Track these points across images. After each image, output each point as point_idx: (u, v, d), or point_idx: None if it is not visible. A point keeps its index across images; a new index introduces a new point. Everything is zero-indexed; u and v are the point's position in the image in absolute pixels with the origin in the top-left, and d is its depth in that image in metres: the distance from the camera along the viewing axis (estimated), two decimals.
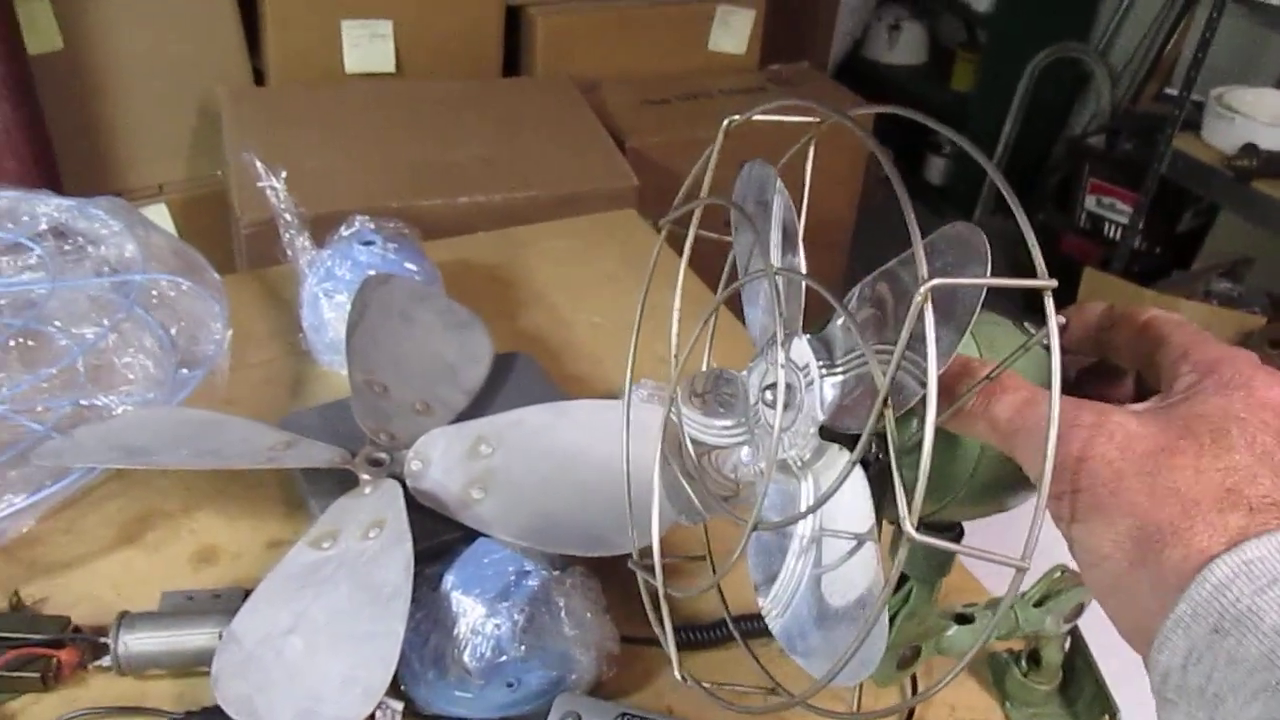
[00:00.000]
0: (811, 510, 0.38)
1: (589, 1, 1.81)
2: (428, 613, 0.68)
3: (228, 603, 0.72)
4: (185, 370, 0.89)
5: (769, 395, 0.42)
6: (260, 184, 0.98)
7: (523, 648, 0.65)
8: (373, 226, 0.97)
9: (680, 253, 0.60)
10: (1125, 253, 2.37)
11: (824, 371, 0.40)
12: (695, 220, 0.46)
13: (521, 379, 0.90)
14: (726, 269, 0.52)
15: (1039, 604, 0.63)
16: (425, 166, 1.46)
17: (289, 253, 1.00)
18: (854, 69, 3.11)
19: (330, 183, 1.38)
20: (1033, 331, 0.42)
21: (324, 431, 0.82)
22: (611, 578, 0.73)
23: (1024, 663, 0.70)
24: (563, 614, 0.67)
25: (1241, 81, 2.18)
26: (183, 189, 1.73)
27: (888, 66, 3.13)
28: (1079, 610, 0.65)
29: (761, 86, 1.89)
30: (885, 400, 0.34)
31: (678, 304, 0.49)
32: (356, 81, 1.70)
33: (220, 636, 0.67)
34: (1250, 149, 1.99)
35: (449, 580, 0.67)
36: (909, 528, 0.32)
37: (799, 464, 0.42)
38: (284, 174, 0.98)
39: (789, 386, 0.42)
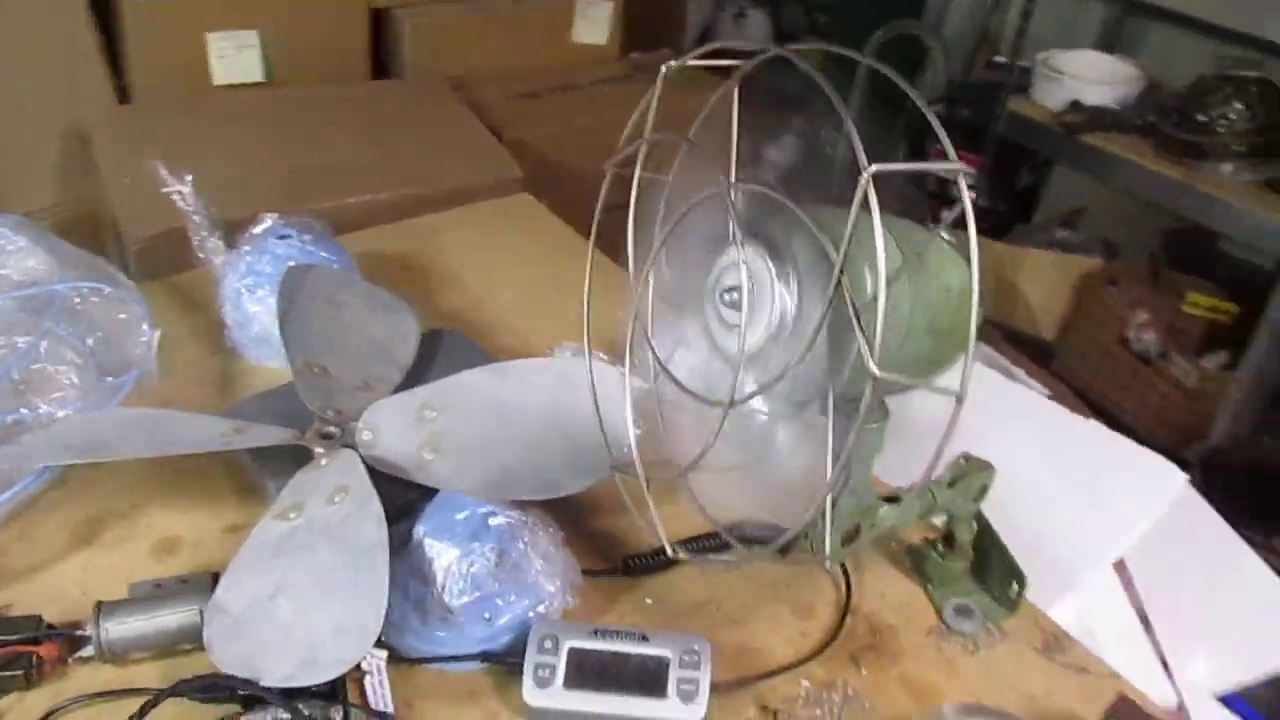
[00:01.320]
0: (778, 379, 0.44)
1: (454, 1, 1.85)
2: (402, 566, 0.72)
3: (197, 585, 0.74)
4: (111, 379, 0.91)
5: (729, 296, 0.49)
6: (166, 189, 1.00)
7: (498, 583, 0.70)
8: (285, 222, 1.00)
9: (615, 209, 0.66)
10: (974, 211, 2.53)
11: (775, 270, 0.47)
12: (641, 159, 0.52)
13: (452, 351, 0.94)
14: (662, 208, 0.58)
15: (951, 484, 0.71)
16: (310, 170, 1.47)
17: (200, 255, 1.02)
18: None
19: (216, 193, 1.38)
20: (941, 234, 0.50)
21: (266, 418, 0.85)
22: (562, 520, 0.79)
23: (940, 546, 0.78)
24: (529, 549, 0.72)
25: (1062, 45, 2.36)
26: (52, 215, 1.69)
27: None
28: (983, 491, 0.74)
29: (628, 74, 1.96)
30: (841, 270, 0.40)
31: (631, 227, 0.55)
32: (227, 93, 1.70)
33: (200, 614, 0.70)
34: (1076, 105, 2.17)
35: (420, 530, 0.71)
36: (873, 367, 0.39)
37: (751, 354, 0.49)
38: (189, 178, 1.00)
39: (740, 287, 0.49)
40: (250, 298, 0.95)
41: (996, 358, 2.07)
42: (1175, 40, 2.29)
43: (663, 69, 0.55)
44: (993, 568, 0.79)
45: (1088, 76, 2.21)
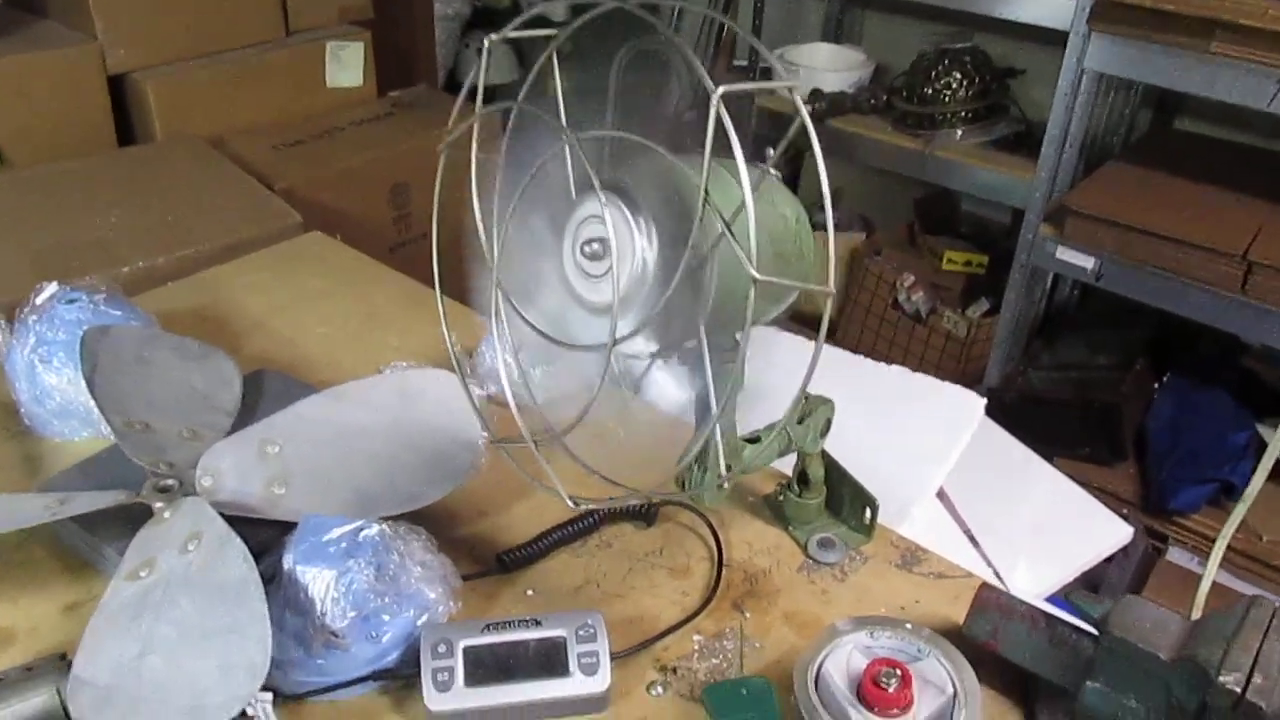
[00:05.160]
0: (656, 309, 0.46)
1: (198, 60, 1.78)
2: (274, 602, 0.69)
3: (46, 669, 0.68)
4: None
5: (590, 248, 0.51)
6: None
7: (380, 597, 0.69)
8: (71, 286, 0.94)
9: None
10: None
11: (631, 217, 0.49)
12: (475, 133, 0.53)
13: (277, 391, 0.91)
14: (499, 179, 0.59)
15: (800, 421, 0.75)
16: (73, 247, 1.38)
17: None
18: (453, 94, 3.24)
19: None
20: (769, 169, 0.53)
21: (88, 487, 0.80)
22: (432, 529, 0.78)
23: (795, 486, 0.82)
24: (406, 558, 0.71)
25: (791, 41, 2.53)
26: None
27: (486, 88, 3.27)
28: (827, 426, 0.78)
29: (388, 112, 1.94)
30: (706, 192, 0.43)
31: (475, 199, 0.55)
32: None
33: (59, 694, 0.65)
34: (817, 93, 2.32)
35: (289, 559, 0.69)
36: (752, 270, 0.41)
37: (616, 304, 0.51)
38: None
39: (602, 239, 0.51)
40: (46, 369, 0.88)
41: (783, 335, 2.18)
42: (892, 25, 2.49)
43: (486, 41, 0.57)
44: (845, 499, 0.84)
45: (822, 66, 2.37)
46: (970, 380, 2.17)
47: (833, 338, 2.39)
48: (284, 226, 1.50)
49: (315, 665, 0.68)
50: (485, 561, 0.80)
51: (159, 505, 0.75)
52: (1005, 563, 1.20)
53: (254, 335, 1.07)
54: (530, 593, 0.78)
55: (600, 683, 0.68)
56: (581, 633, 0.69)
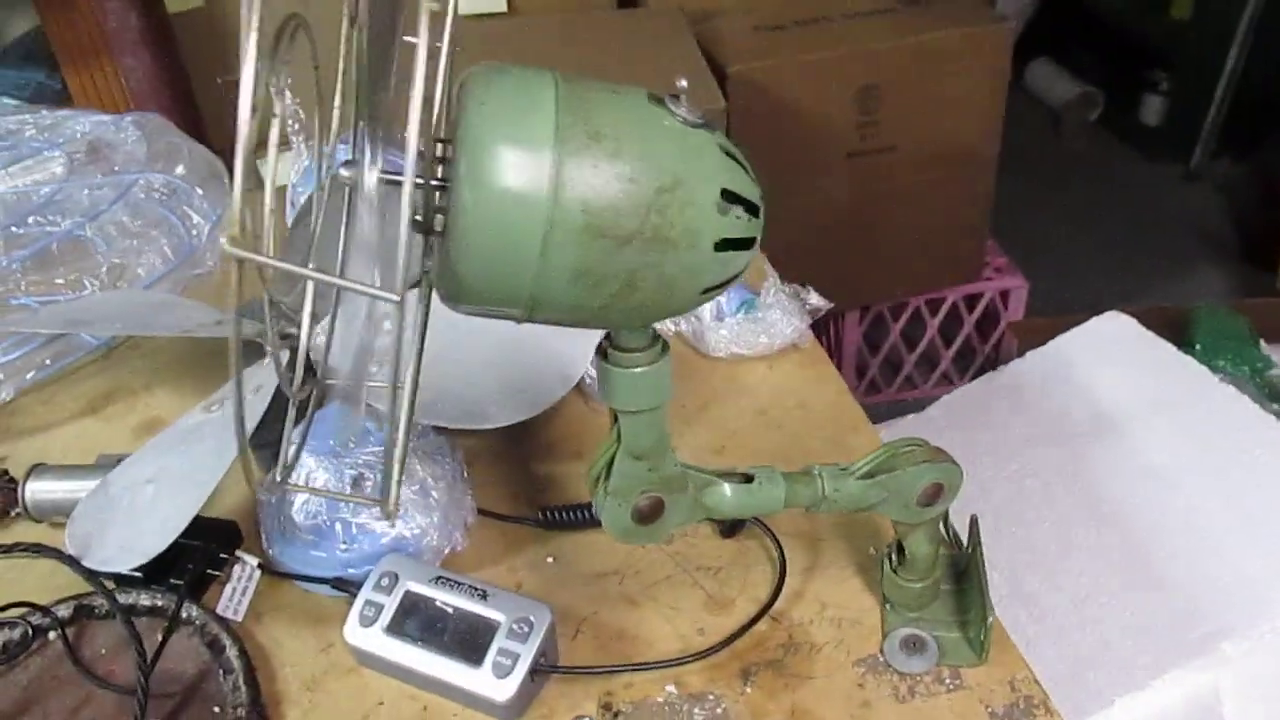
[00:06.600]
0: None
1: None
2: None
3: None
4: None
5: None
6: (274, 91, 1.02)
7: (352, 505, 0.64)
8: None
9: None
10: None
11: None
12: None
13: None
14: None
15: (869, 475, 0.55)
16: None
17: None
18: (1060, 1, 2.88)
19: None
20: (675, 110, 0.37)
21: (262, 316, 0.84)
22: (510, 457, 0.72)
23: (893, 556, 0.61)
24: (405, 477, 0.65)
25: None
26: None
27: None
28: (936, 492, 0.56)
29: (890, 9, 1.76)
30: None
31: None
32: (469, 23, 1.74)
33: None
34: None
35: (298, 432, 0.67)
36: (222, 239, 0.29)
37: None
38: (289, 80, 1.01)
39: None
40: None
41: None
42: None
43: None
44: (973, 597, 0.61)
45: None
46: None
47: None
48: (709, 111, 1.45)
49: (291, 550, 0.67)
50: (530, 508, 0.71)
51: (270, 350, 0.77)
52: None
53: None
54: (550, 560, 0.68)
55: (506, 689, 0.58)
56: (517, 627, 0.59)
